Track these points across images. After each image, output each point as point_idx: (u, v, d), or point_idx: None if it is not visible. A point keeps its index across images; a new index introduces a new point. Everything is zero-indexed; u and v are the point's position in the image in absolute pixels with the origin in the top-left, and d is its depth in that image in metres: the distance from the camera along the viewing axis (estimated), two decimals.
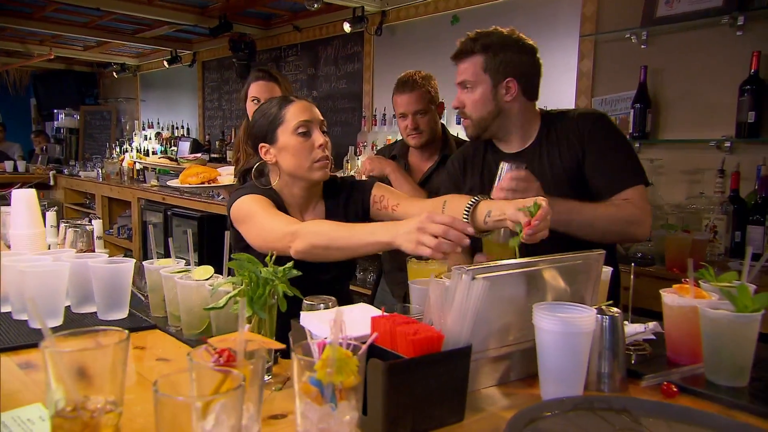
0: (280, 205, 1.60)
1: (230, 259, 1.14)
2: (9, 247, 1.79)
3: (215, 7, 4.98)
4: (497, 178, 1.50)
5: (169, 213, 4.91)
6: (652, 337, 1.31)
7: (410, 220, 1.22)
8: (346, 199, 1.71)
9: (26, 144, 8.36)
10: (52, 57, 7.06)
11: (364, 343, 0.75)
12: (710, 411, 0.97)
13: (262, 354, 0.70)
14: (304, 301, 1.16)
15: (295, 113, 1.58)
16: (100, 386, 0.74)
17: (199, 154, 2.97)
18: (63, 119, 8.23)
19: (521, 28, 2.05)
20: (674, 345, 1.21)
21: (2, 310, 1.47)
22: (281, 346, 0.83)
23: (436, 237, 1.12)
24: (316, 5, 4.07)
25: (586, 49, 3.19)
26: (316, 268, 1.41)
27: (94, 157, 7.35)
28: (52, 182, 6.97)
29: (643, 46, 2.97)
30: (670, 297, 1.20)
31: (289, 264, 1.11)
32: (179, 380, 0.65)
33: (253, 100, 2.43)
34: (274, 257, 1.12)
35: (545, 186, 1.56)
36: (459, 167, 1.90)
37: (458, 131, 3.18)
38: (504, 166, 1.51)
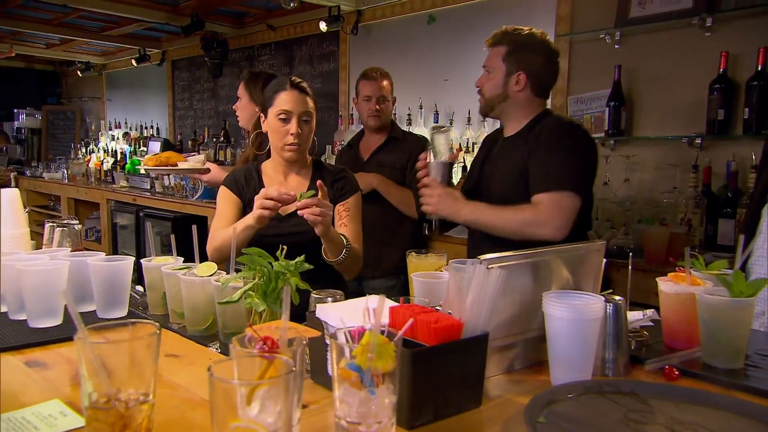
0: (250, 182, 1.91)
1: (240, 254, 1.14)
2: None
3: (187, 5, 4.88)
4: None
5: (141, 214, 4.80)
6: (651, 323, 1.35)
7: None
8: (333, 183, 1.93)
9: None
10: (13, 54, 6.74)
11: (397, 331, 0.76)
12: (713, 390, 1.01)
13: (302, 341, 0.70)
14: (313, 294, 1.17)
15: (281, 101, 1.81)
16: (132, 378, 0.74)
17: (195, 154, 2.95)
18: (24, 119, 7.91)
19: (497, 28, 2.11)
20: (671, 331, 1.24)
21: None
22: (317, 333, 0.84)
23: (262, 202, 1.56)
24: (291, 4, 4.03)
25: (561, 49, 3.25)
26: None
27: (58, 158, 7.05)
28: (13, 184, 6.69)
29: (616, 46, 3.04)
30: (667, 285, 1.23)
31: (300, 258, 1.11)
32: (224, 368, 0.65)
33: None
34: (285, 251, 1.12)
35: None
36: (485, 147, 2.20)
37: (419, 126, 3.35)
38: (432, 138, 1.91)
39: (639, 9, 2.93)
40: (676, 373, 1.10)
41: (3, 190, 1.72)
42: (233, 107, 2.82)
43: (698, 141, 2.77)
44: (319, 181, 1.62)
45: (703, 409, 0.95)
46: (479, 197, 1.91)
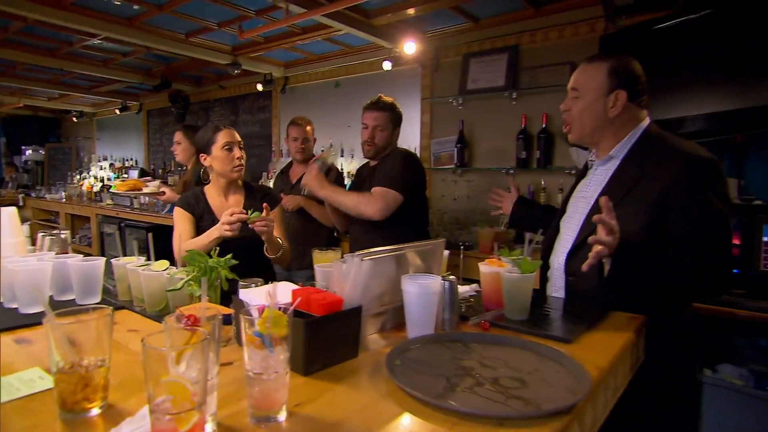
0: (199, 202, 1.80)
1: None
2: None
3: (158, 70, 4.66)
4: None
5: (122, 225, 4.44)
6: (474, 293, 1.41)
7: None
8: (263, 197, 1.86)
9: None
10: (21, 105, 6.23)
11: (289, 306, 0.75)
12: (509, 335, 1.07)
13: (218, 317, 0.68)
14: (240, 281, 1.13)
15: (222, 136, 1.80)
16: (92, 349, 0.70)
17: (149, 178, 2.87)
18: (30, 154, 7.24)
19: (385, 93, 2.17)
20: (487, 297, 1.28)
21: None
22: (229, 311, 0.81)
23: (227, 218, 1.54)
24: (236, 71, 3.92)
25: (425, 108, 3.38)
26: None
27: (58, 183, 6.56)
28: (21, 203, 6.06)
29: (460, 107, 3.20)
30: (484, 267, 1.27)
31: (229, 255, 1.08)
32: (159, 338, 0.62)
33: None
34: (218, 251, 1.08)
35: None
36: None
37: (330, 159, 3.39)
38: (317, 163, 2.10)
39: (473, 84, 3.11)
40: (488, 325, 1.13)
41: (3, 208, 1.55)
42: (171, 149, 2.89)
43: (511, 171, 2.97)
44: (265, 204, 1.60)
45: (503, 347, 1.01)
46: None
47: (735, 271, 1.94)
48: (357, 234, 2.13)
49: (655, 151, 1.27)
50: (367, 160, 2.23)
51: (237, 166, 1.81)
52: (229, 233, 1.56)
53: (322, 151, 2.21)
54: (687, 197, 1.17)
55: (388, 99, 2.10)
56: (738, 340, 1.97)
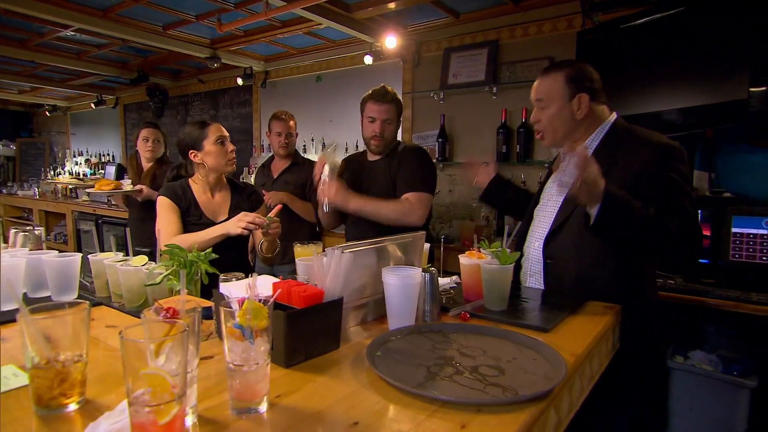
0: (186, 195, 1.75)
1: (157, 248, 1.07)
2: None
3: (134, 63, 4.50)
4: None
5: (99, 221, 4.34)
6: (454, 285, 1.43)
7: (233, 218, 1.61)
8: (248, 195, 1.89)
9: None
10: None
11: (270, 298, 0.75)
12: (489, 325, 1.09)
13: (198, 310, 0.67)
14: (221, 276, 1.12)
15: (214, 131, 1.77)
16: (69, 345, 0.69)
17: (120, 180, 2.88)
18: (0, 149, 6.88)
19: (365, 88, 2.14)
20: (467, 289, 1.30)
21: None
22: (210, 303, 0.81)
23: (247, 222, 1.56)
24: (215, 65, 3.84)
25: (407, 102, 3.37)
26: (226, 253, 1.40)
27: (30, 179, 6.31)
28: None
29: (441, 102, 3.21)
30: (464, 259, 1.30)
31: (209, 249, 1.06)
32: (138, 331, 0.61)
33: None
34: (197, 246, 1.07)
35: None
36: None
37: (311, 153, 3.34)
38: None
39: (453, 78, 3.13)
40: (468, 315, 1.16)
41: None
42: (148, 148, 2.84)
43: (492, 165, 3.00)
44: (278, 206, 1.67)
45: (483, 337, 1.03)
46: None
47: (705, 261, 2.01)
48: (363, 234, 2.01)
49: (624, 142, 1.34)
50: (353, 153, 2.16)
51: (231, 159, 1.79)
52: (240, 231, 1.59)
53: (323, 152, 1.95)
54: (655, 176, 1.25)
55: (392, 89, 1.96)
56: (708, 327, 2.05)
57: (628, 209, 1.17)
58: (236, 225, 1.59)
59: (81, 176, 5.80)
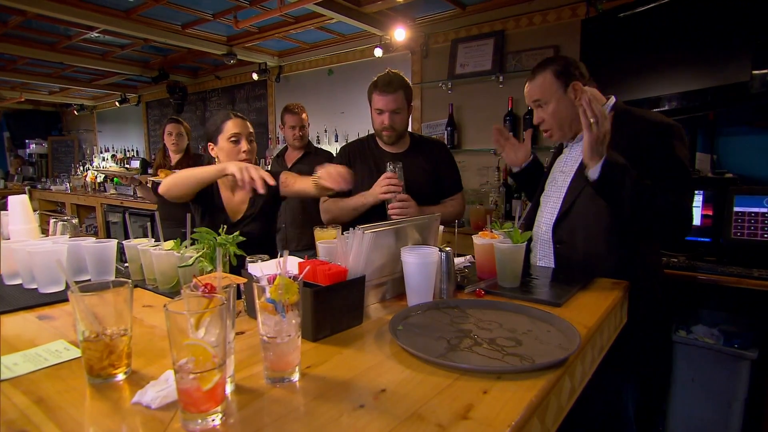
0: (211, 188, 1.62)
1: (193, 233, 1.08)
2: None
3: (155, 62, 4.53)
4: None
5: (126, 213, 4.41)
6: (468, 264, 1.43)
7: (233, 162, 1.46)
8: (274, 174, 1.73)
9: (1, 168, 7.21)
10: (23, 100, 6.06)
11: (299, 276, 0.76)
12: (503, 301, 1.09)
13: (233, 286, 0.68)
14: (247, 258, 1.13)
15: (230, 127, 1.57)
16: (115, 320, 0.71)
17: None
18: (34, 147, 7.07)
19: (373, 78, 2.07)
20: (481, 267, 1.30)
21: (14, 283, 1.30)
22: (244, 280, 0.81)
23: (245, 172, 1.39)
24: (232, 61, 3.84)
25: (416, 93, 3.34)
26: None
27: (62, 174, 6.44)
28: (27, 195, 5.96)
29: (449, 92, 3.18)
30: (478, 239, 1.29)
31: (236, 233, 1.07)
32: (179, 305, 0.62)
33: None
34: (225, 228, 1.07)
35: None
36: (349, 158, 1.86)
37: (325, 144, 3.30)
38: (388, 166, 1.64)
39: (461, 68, 3.08)
40: (483, 292, 1.16)
41: (14, 196, 1.52)
42: (172, 142, 2.89)
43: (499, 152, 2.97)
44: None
45: (497, 311, 1.03)
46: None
47: (707, 240, 1.98)
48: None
49: (625, 123, 1.31)
50: (351, 141, 1.97)
51: (243, 161, 1.54)
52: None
53: (392, 170, 1.65)
54: (652, 154, 1.24)
55: (398, 74, 1.75)
56: (710, 302, 2.02)
57: (626, 169, 1.19)
58: (238, 166, 1.40)
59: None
